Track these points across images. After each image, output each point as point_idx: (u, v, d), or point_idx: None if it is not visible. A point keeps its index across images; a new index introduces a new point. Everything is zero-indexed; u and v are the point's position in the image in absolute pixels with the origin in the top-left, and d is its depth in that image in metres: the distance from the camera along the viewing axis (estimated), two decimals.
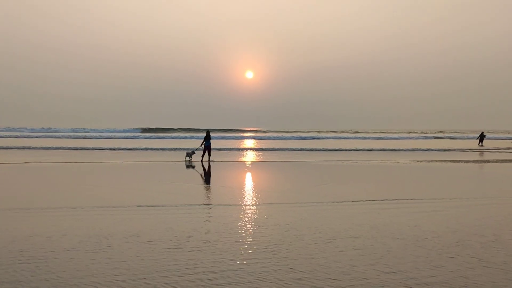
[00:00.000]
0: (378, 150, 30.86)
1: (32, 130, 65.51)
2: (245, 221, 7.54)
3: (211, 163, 19.43)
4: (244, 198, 10.04)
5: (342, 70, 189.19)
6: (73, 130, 65.51)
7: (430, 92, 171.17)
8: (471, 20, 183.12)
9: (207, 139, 20.84)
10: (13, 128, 69.10)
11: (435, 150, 31.36)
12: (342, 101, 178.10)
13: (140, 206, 8.78)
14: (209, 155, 20.73)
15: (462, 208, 9.05)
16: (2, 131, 62.29)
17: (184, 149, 26.77)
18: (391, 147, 33.74)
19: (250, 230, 6.84)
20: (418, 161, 21.74)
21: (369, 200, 9.85)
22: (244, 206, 8.92)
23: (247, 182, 13.36)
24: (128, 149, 28.86)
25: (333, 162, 20.53)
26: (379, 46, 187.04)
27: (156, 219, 7.59)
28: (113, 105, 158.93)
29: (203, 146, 20.85)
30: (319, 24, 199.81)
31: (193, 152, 20.79)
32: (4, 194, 10.43)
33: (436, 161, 21.87)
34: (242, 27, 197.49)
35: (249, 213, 8.27)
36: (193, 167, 17.76)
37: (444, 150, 31.34)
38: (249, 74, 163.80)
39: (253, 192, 10.99)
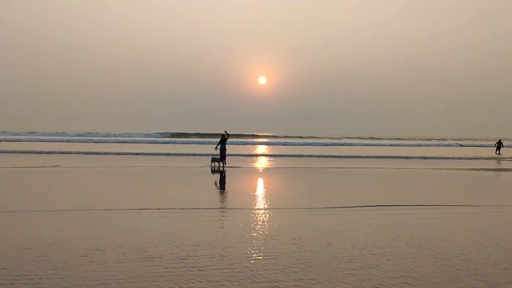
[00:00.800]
0: (396, 157, 30.00)
1: (43, 134, 66.22)
2: (257, 233, 6.92)
3: (225, 169, 18.89)
4: (257, 205, 9.53)
5: (357, 74, 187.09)
6: (101, 134, 65.81)
7: (444, 98, 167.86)
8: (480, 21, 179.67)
9: (222, 143, 19.96)
10: (43, 132, 69.94)
11: (455, 158, 30.23)
12: (356, 105, 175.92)
13: (153, 209, 8.40)
14: (223, 160, 19.82)
15: (488, 216, 8.39)
16: (28, 134, 63.10)
17: (208, 155, 26.12)
18: (410, 155, 32.83)
19: (262, 245, 6.22)
20: (438, 168, 20.92)
21: (391, 206, 9.22)
22: (257, 215, 8.32)
23: (263, 188, 13.00)
24: (139, 154, 28.61)
25: (350, 169, 19.87)
26: (395, 49, 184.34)
27: (164, 227, 7.08)
28: (130, 110, 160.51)
29: (218, 150, 19.96)
30: (332, 28, 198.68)
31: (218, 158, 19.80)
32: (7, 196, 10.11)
33: (457, 169, 21.07)
34: (254, 33, 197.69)
35: (261, 222, 7.68)
36: (220, 173, 17.20)
37: (466, 158, 30.05)
38: (262, 80, 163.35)
39: (266, 199, 10.51)
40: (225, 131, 20.08)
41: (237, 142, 51.45)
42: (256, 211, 8.92)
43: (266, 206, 9.47)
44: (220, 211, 8.97)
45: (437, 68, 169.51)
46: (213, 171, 17.68)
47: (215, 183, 13.97)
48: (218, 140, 20.56)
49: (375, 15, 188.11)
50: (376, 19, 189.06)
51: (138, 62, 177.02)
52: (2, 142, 42.60)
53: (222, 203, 10.22)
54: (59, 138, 55.49)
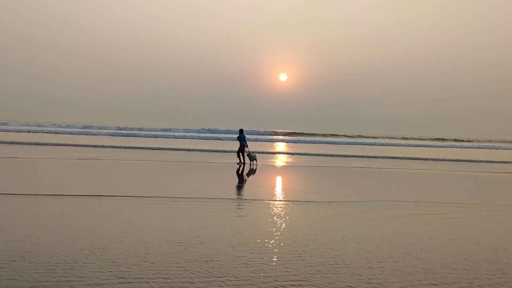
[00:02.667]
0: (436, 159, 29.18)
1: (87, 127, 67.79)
2: (274, 243, 6.78)
3: (240, 165, 18.62)
4: (281, 202, 9.43)
5: (381, 71, 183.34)
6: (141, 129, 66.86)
7: (477, 98, 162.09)
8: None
9: (242, 139, 19.66)
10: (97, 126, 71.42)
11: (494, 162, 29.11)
12: (381, 103, 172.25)
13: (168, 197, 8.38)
14: (243, 156, 19.48)
15: None
16: (88, 128, 64.63)
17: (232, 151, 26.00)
18: (435, 156, 31.90)
19: (281, 258, 6.07)
20: (474, 171, 20.21)
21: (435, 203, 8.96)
22: (279, 213, 8.19)
23: (288, 186, 12.89)
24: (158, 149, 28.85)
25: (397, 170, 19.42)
26: (419, 46, 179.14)
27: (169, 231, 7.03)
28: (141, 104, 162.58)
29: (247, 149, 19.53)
30: (355, 26, 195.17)
31: (254, 155, 19.01)
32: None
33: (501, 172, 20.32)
34: (276, 30, 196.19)
35: (282, 228, 7.53)
36: (254, 170, 17.03)
37: (504, 162, 28.79)
38: (283, 77, 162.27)
39: (290, 198, 10.28)
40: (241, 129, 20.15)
41: (257, 139, 51.33)
42: (280, 213, 8.76)
43: (291, 206, 9.33)
44: (240, 208, 8.91)
45: (461, 69, 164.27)
46: (254, 170, 17.37)
47: (241, 179, 14.23)
48: (239, 138, 20.01)
49: (401, 15, 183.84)
50: (403, 19, 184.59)
51: (159, 58, 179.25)
52: (30, 133, 43.89)
53: (243, 197, 10.21)
54: (105, 131, 56.70)
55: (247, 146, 19.66)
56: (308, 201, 9.96)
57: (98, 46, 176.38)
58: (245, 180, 14.10)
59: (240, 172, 16.37)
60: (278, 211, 8.67)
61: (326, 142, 52.01)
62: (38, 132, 46.88)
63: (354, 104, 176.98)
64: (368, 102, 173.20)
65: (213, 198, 9.84)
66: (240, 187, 12.55)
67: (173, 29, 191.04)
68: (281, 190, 12.12)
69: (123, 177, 13.74)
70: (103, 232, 6.42)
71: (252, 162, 19.04)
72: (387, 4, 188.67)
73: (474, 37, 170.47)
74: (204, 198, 9.83)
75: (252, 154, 19.10)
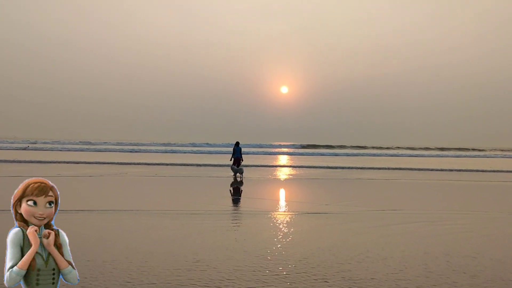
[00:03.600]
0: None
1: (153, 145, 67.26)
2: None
3: (238, 179, 17.88)
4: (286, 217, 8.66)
5: (381, 82, 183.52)
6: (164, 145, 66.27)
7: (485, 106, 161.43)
8: None
9: (237, 151, 19.21)
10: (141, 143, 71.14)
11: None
12: (385, 114, 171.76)
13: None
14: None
15: None
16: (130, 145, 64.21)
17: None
18: (445, 167, 31.19)
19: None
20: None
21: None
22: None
23: (289, 199, 12.13)
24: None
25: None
26: (424, 53, 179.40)
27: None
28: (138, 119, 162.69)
29: (232, 160, 19.27)
30: (355, 36, 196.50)
31: (239, 169, 18.53)
32: None
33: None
34: (276, 42, 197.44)
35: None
36: (241, 183, 16.42)
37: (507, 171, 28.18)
38: (284, 89, 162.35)
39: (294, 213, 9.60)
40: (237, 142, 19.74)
41: (260, 152, 50.65)
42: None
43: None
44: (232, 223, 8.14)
45: (466, 75, 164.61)
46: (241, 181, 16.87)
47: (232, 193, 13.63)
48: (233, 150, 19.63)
49: (401, 23, 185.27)
50: (403, 27, 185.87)
51: (156, 69, 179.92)
52: (28, 150, 43.36)
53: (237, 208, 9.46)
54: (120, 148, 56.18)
55: (242, 160, 19.28)
56: (320, 213, 9.53)
57: (95, 54, 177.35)
58: (241, 191, 13.84)
59: (238, 185, 15.91)
60: (286, 225, 8.16)
61: (331, 154, 51.30)
62: (37, 150, 46.32)
63: (355, 113, 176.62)
64: (369, 110, 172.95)
65: (214, 211, 9.23)
66: (245, 200, 12.09)
67: (173, 41, 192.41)
68: (286, 202, 11.70)
69: (120, 193, 13.09)
70: (91, 255, 5.65)
71: (235, 175, 18.50)
72: (387, 11, 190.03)
73: (479, 42, 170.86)
74: (206, 211, 9.13)
75: (235, 167, 18.69)
